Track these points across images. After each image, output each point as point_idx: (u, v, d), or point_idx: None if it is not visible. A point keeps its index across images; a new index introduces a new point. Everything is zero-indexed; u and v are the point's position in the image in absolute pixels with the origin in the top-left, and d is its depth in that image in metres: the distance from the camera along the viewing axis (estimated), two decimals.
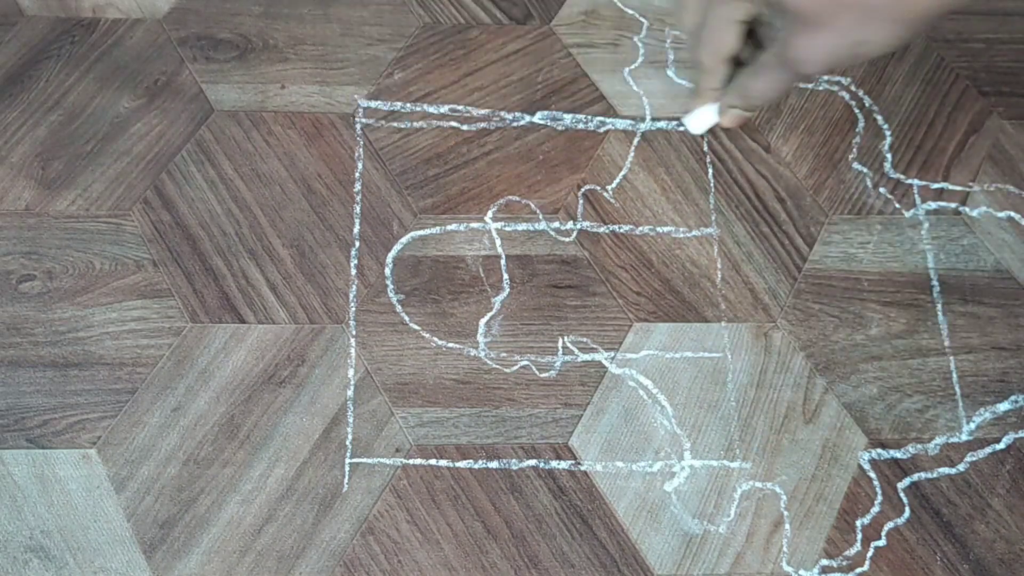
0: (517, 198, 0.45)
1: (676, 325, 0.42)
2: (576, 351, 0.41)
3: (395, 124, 0.47)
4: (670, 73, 0.49)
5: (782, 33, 0.38)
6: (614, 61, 0.49)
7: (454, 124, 0.47)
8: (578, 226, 0.44)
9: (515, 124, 0.47)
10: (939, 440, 0.40)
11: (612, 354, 0.41)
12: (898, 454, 0.40)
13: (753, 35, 0.41)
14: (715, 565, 0.38)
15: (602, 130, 0.47)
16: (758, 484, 0.39)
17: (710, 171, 0.46)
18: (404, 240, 0.44)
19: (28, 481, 0.38)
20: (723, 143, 0.47)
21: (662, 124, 0.47)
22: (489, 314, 0.42)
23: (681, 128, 0.47)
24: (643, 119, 0.47)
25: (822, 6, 0.35)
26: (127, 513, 0.37)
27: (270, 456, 0.39)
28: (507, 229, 0.44)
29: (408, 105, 0.47)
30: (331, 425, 0.39)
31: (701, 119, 0.44)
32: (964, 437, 0.40)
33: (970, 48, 0.50)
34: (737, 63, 0.42)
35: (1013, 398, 0.41)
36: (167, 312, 0.41)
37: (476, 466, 0.39)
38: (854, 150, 0.47)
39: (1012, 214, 0.45)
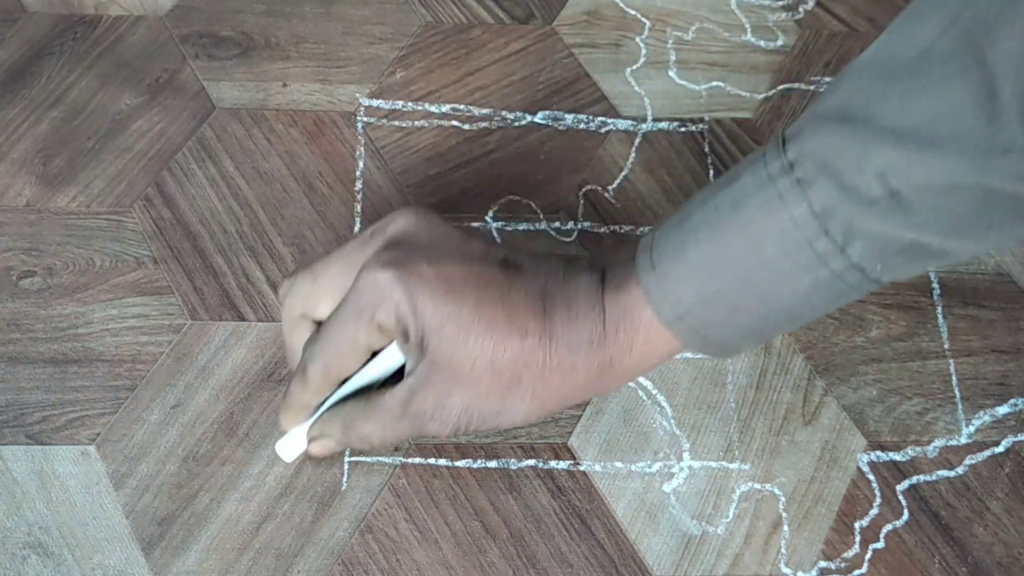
0: (518, 198, 0.45)
1: None
2: None
3: (396, 123, 0.47)
4: (672, 74, 0.49)
5: (412, 379, 0.32)
6: (616, 61, 0.49)
7: (455, 123, 0.47)
8: (579, 226, 0.44)
9: (516, 124, 0.47)
10: (938, 443, 0.40)
11: None
12: (897, 456, 0.40)
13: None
14: (713, 566, 0.38)
15: (603, 130, 0.47)
16: (757, 485, 0.39)
17: (711, 172, 0.46)
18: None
19: (27, 477, 0.38)
20: (724, 145, 0.47)
21: (663, 125, 0.47)
22: None
23: (683, 129, 0.47)
24: (644, 120, 0.47)
25: (469, 365, 0.31)
26: (126, 510, 0.37)
27: (269, 454, 0.38)
28: (508, 229, 0.44)
29: (410, 104, 0.47)
30: None
31: (294, 444, 0.36)
32: (963, 440, 0.40)
33: None
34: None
35: (1013, 401, 0.41)
36: (167, 309, 0.41)
37: (475, 465, 0.39)
38: None
39: None
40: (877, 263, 0.28)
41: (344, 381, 0.35)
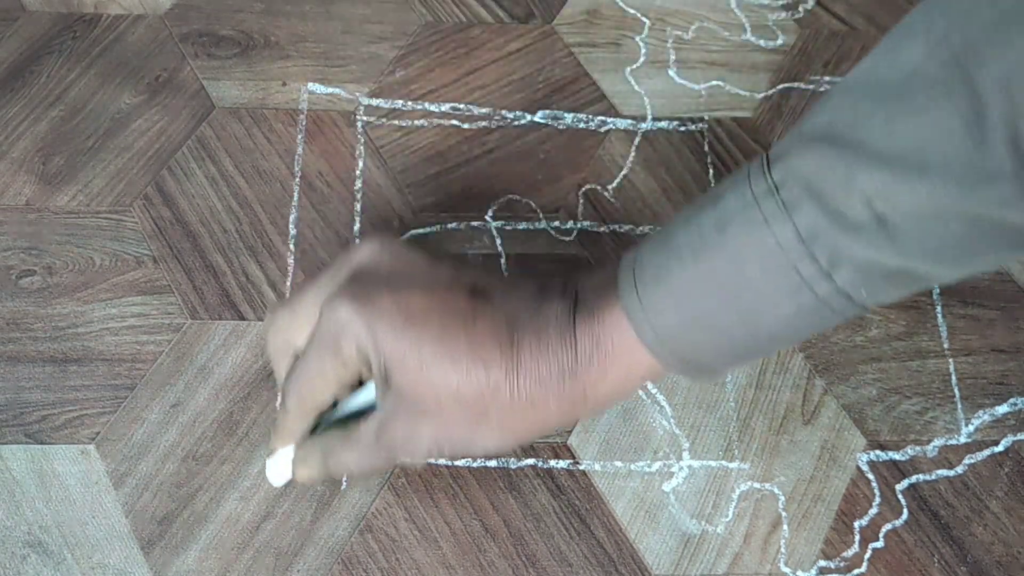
0: (517, 197, 0.45)
1: None
2: None
3: (396, 122, 0.47)
4: (672, 73, 0.49)
5: (381, 412, 0.32)
6: (616, 61, 0.49)
7: (455, 122, 0.47)
8: (578, 225, 0.44)
9: (516, 123, 0.47)
10: (938, 442, 0.40)
11: None
12: (897, 456, 0.40)
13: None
14: (713, 565, 0.38)
15: (603, 130, 0.47)
16: (756, 485, 0.39)
17: (711, 171, 0.46)
18: (404, 238, 0.44)
19: (26, 476, 0.38)
20: (724, 144, 0.47)
21: (663, 124, 0.47)
22: None
23: (683, 128, 0.47)
24: (644, 119, 0.47)
25: (434, 398, 0.31)
26: (125, 509, 0.37)
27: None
28: (507, 228, 0.44)
29: (409, 103, 0.47)
30: None
31: (280, 469, 0.36)
32: (963, 439, 0.40)
33: None
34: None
35: (1012, 401, 0.41)
36: (167, 308, 0.41)
37: (474, 465, 0.39)
38: None
39: None
40: (862, 288, 0.27)
41: (336, 407, 0.35)
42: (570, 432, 0.40)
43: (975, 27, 0.25)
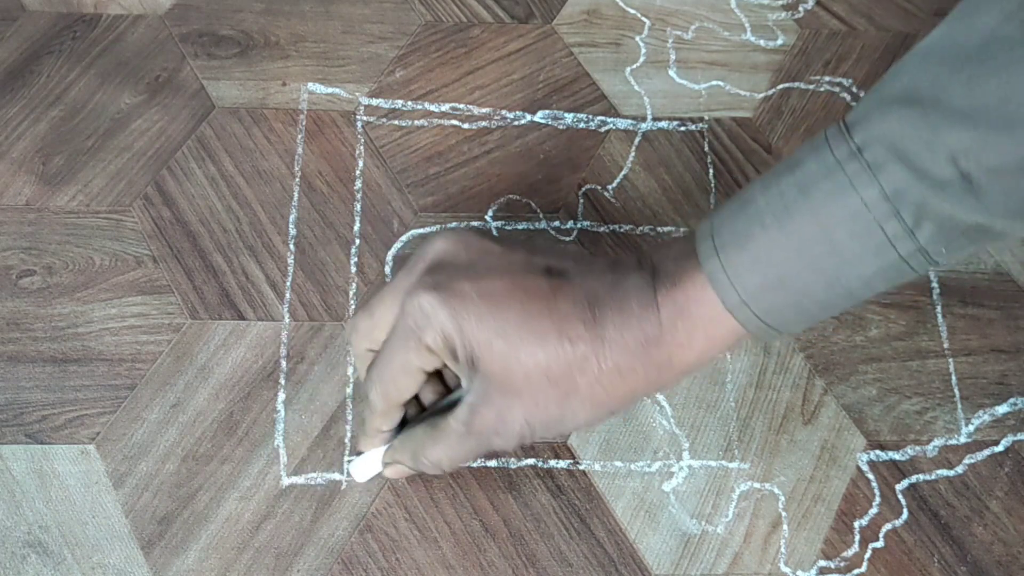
0: (517, 197, 0.45)
1: None
2: None
3: (396, 122, 0.47)
4: (672, 73, 0.49)
5: (471, 397, 0.32)
6: (616, 60, 0.49)
7: (455, 122, 0.47)
8: (578, 225, 0.44)
9: (516, 123, 0.47)
10: (938, 442, 0.40)
11: None
12: (896, 456, 0.40)
13: (440, 375, 0.36)
14: (713, 565, 0.38)
15: (603, 130, 0.47)
16: (756, 485, 0.39)
17: (711, 171, 0.46)
18: (404, 238, 0.44)
19: (26, 476, 0.38)
20: (724, 144, 0.47)
21: (663, 124, 0.47)
22: None
23: (683, 128, 0.47)
24: (644, 119, 0.47)
25: (523, 377, 0.31)
26: (125, 509, 0.37)
27: (268, 453, 0.39)
28: (507, 228, 0.44)
29: (409, 103, 0.47)
30: (330, 423, 0.39)
31: (366, 466, 0.37)
32: (963, 439, 0.40)
33: None
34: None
35: (1012, 400, 0.41)
36: (167, 308, 0.41)
37: (474, 465, 0.39)
38: None
39: None
40: (942, 245, 0.28)
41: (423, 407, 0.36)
42: (570, 432, 0.40)
43: None
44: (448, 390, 0.36)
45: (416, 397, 0.36)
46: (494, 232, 0.44)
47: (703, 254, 0.31)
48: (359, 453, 0.37)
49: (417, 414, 0.36)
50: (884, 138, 0.27)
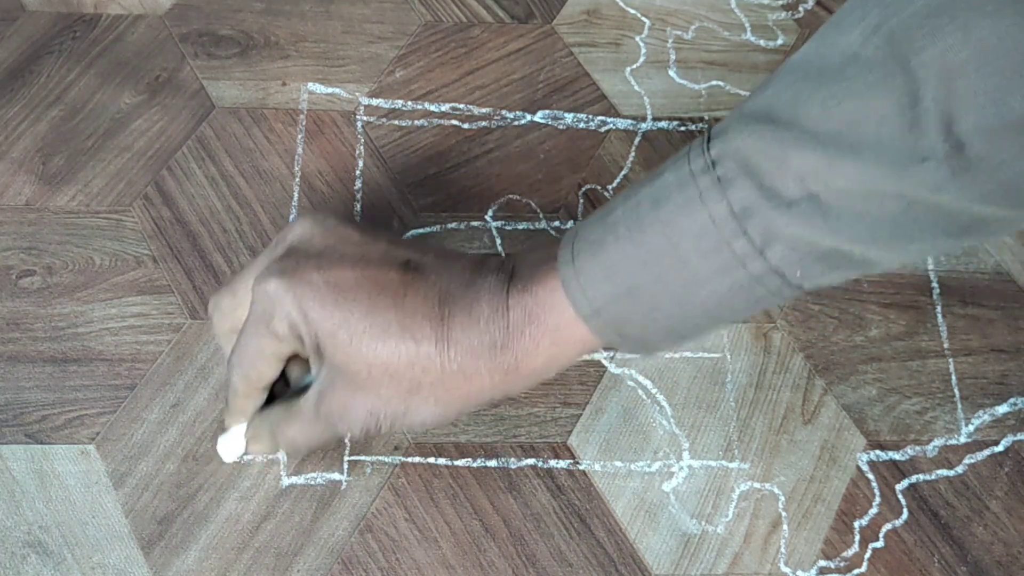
0: (518, 197, 0.45)
1: None
2: None
3: (396, 122, 0.47)
4: (672, 73, 0.49)
5: (318, 384, 0.33)
6: (616, 60, 0.49)
7: (455, 122, 0.47)
8: None
9: (516, 123, 0.47)
10: (938, 442, 0.40)
11: (612, 353, 0.41)
12: (896, 456, 0.40)
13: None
14: (713, 565, 0.38)
15: (603, 130, 0.47)
16: (756, 485, 0.39)
17: None
18: (411, 234, 0.44)
19: (26, 476, 0.38)
20: None
21: (663, 124, 0.47)
22: None
23: (683, 128, 0.47)
24: (644, 119, 0.47)
25: (366, 370, 0.31)
26: (125, 509, 0.37)
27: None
28: (507, 228, 0.44)
29: (409, 103, 0.47)
30: None
31: (232, 444, 0.37)
32: (963, 439, 0.40)
33: None
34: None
35: (1012, 400, 0.41)
36: (167, 308, 0.41)
37: (474, 464, 0.39)
38: None
39: None
40: (796, 269, 0.27)
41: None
42: (570, 432, 0.40)
43: (910, 14, 0.25)
44: None
45: (284, 375, 0.36)
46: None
47: (561, 259, 0.31)
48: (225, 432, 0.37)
49: (283, 392, 0.36)
50: (737, 153, 0.27)
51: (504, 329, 0.31)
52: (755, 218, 0.27)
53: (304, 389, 0.34)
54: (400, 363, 0.31)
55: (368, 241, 0.33)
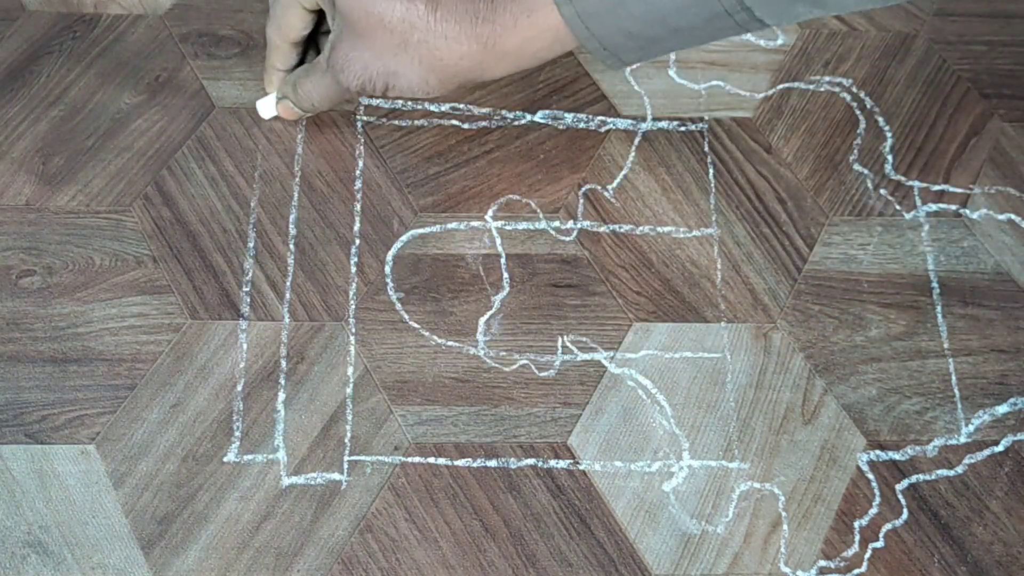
0: (518, 197, 0.45)
1: (676, 325, 0.42)
2: (575, 350, 0.41)
3: (396, 122, 0.47)
4: (672, 73, 0.49)
5: (332, 36, 0.39)
6: None
7: (455, 122, 0.47)
8: (578, 225, 0.44)
9: (516, 123, 0.47)
10: (938, 442, 0.40)
11: (611, 354, 0.41)
12: (896, 456, 0.40)
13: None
14: (713, 565, 0.38)
15: (603, 129, 0.47)
16: (756, 485, 0.39)
17: (711, 171, 0.46)
18: (404, 238, 0.44)
19: (26, 476, 0.38)
20: (724, 144, 0.47)
21: (663, 124, 0.47)
22: (489, 313, 0.42)
23: (683, 128, 0.47)
24: (644, 119, 0.47)
25: (365, 20, 0.36)
26: (125, 509, 0.37)
27: (268, 453, 0.39)
28: (507, 228, 0.44)
29: (409, 103, 0.47)
30: (330, 423, 0.39)
31: (268, 104, 0.45)
32: (963, 439, 0.40)
33: (972, 50, 0.50)
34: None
35: (1012, 401, 0.41)
36: (167, 308, 0.41)
37: (475, 465, 0.39)
38: (855, 151, 0.47)
39: (1013, 216, 0.45)
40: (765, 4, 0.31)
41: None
42: (570, 432, 0.40)
43: None
44: None
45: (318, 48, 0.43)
46: None
47: None
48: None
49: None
50: None
51: (488, 2, 0.35)
52: None
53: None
54: (394, 16, 0.35)
55: None
